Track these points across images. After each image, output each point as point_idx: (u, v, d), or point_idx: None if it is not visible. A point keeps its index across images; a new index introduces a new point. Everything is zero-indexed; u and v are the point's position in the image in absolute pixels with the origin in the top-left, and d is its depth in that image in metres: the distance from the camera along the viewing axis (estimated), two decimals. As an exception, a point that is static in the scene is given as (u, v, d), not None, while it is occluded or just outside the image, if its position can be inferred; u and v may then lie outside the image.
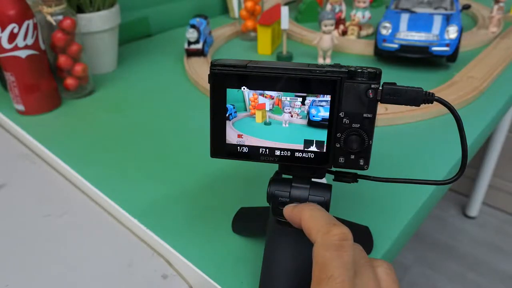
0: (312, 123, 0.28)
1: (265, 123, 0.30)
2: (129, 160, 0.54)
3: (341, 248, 0.26)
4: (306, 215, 0.30)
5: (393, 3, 0.85)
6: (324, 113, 0.27)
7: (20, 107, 0.65)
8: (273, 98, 0.27)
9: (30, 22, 0.60)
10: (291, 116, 0.29)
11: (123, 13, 0.81)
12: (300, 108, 0.27)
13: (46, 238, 0.45)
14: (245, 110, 0.28)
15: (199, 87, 0.73)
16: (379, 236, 0.41)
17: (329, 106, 0.30)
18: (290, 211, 0.32)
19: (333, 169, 0.34)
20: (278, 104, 0.27)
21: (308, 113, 0.28)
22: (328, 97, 0.28)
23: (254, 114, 0.28)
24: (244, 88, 0.32)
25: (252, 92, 0.27)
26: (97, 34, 0.74)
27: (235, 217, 0.43)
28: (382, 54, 0.81)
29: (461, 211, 1.70)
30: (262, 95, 0.27)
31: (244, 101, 0.28)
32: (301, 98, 0.26)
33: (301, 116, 0.28)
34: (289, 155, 0.33)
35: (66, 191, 0.52)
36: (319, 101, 0.27)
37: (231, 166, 0.52)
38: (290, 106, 0.27)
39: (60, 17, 0.65)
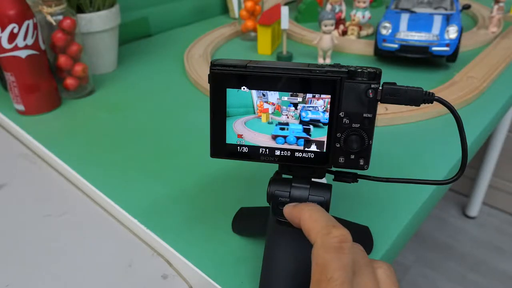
0: (302, 123, 0.32)
1: (269, 123, 0.33)
2: (129, 160, 0.54)
3: (340, 250, 0.26)
4: (305, 216, 0.30)
5: (393, 3, 0.85)
6: (311, 115, 0.32)
7: (20, 107, 0.65)
8: (274, 105, 0.32)
9: (30, 22, 0.60)
10: (287, 117, 0.33)
11: (123, 13, 0.81)
12: (294, 111, 0.32)
13: (46, 238, 0.45)
14: (254, 113, 0.33)
15: (199, 87, 0.73)
16: (379, 236, 0.41)
17: (316, 110, 0.32)
18: (289, 211, 0.32)
19: (333, 169, 0.34)
20: (278, 109, 0.32)
21: (300, 115, 0.32)
22: (315, 103, 0.32)
23: (260, 116, 0.33)
24: (244, 88, 0.32)
25: (259, 100, 0.32)
26: (97, 34, 0.75)
27: (235, 217, 0.43)
28: (382, 54, 0.81)
29: (461, 211, 1.70)
30: (266, 102, 0.32)
31: (253, 106, 0.33)
32: (293, 106, 0.32)
33: (294, 118, 0.32)
34: (289, 155, 0.33)
35: (66, 191, 0.52)
36: (308, 106, 0.32)
37: (231, 166, 0.52)
38: (287, 110, 0.32)
39: (60, 17, 0.65)
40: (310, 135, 0.32)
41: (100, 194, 0.48)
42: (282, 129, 0.33)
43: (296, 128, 0.32)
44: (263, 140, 0.33)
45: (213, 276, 0.38)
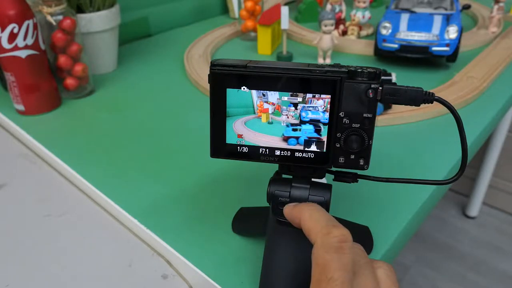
0: (302, 123, 0.32)
1: (269, 123, 0.33)
2: (129, 160, 0.55)
3: (340, 250, 0.26)
4: (305, 215, 0.30)
5: (393, 3, 0.85)
6: (311, 115, 0.32)
7: (20, 107, 0.65)
8: (274, 105, 0.32)
9: (30, 22, 0.60)
10: (287, 117, 0.33)
11: (123, 13, 0.81)
12: (294, 111, 0.32)
13: (46, 238, 0.45)
14: (254, 113, 0.33)
15: (199, 87, 0.73)
16: (379, 236, 0.41)
17: (316, 110, 0.32)
18: (289, 211, 0.32)
19: (333, 169, 0.34)
20: (278, 109, 0.32)
21: (300, 115, 0.32)
22: (315, 103, 0.32)
23: (260, 116, 0.33)
24: (244, 88, 0.32)
25: (259, 100, 0.32)
26: (97, 34, 0.75)
27: (235, 217, 0.43)
28: (382, 54, 0.81)
29: (461, 211, 1.70)
30: (266, 102, 0.32)
31: (253, 106, 0.33)
32: (293, 106, 0.32)
33: (294, 118, 0.32)
34: (289, 155, 0.33)
35: (66, 191, 0.52)
36: (308, 106, 0.32)
37: (231, 166, 0.52)
38: (287, 110, 0.32)
39: (60, 17, 0.65)
40: (320, 135, 0.32)
41: (100, 194, 0.48)
42: (295, 130, 0.32)
43: (308, 128, 0.32)
44: (264, 140, 0.33)
45: (213, 276, 0.38)
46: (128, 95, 0.72)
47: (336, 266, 0.26)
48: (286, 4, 1.15)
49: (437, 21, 0.77)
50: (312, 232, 0.29)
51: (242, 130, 0.33)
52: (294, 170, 0.35)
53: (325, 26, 0.77)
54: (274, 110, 0.32)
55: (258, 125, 0.33)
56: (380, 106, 0.61)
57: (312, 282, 0.27)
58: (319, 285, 0.26)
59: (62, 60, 0.67)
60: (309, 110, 0.32)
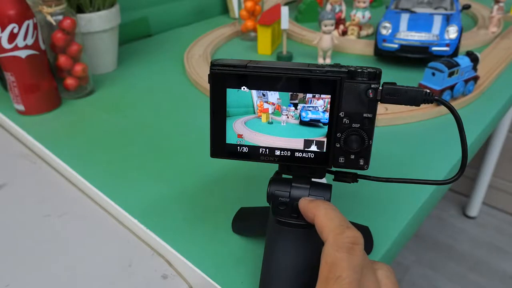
0: (302, 123, 0.33)
1: (269, 123, 0.33)
2: (129, 160, 0.54)
3: (352, 250, 0.27)
4: (321, 212, 0.30)
5: (393, 3, 0.85)
6: (311, 115, 0.32)
7: (20, 107, 0.65)
8: (274, 105, 0.32)
9: (30, 22, 0.60)
10: (287, 117, 0.33)
11: (123, 13, 0.81)
12: (294, 112, 0.32)
13: (46, 238, 0.45)
14: (254, 113, 0.33)
15: (199, 87, 0.73)
16: (379, 236, 0.41)
17: (316, 110, 0.32)
18: (305, 204, 0.32)
19: (333, 169, 0.34)
20: (278, 109, 0.33)
21: (300, 115, 0.32)
22: (315, 103, 0.32)
23: (260, 116, 0.33)
24: (244, 88, 0.32)
25: (259, 100, 0.33)
26: (97, 34, 0.75)
27: (235, 217, 0.43)
28: (382, 54, 0.81)
29: (461, 211, 1.70)
30: (266, 102, 0.32)
31: (253, 106, 0.33)
32: (293, 106, 0.32)
33: (294, 118, 0.33)
34: (289, 155, 0.33)
35: (66, 191, 0.52)
36: (308, 106, 0.32)
37: (231, 166, 0.52)
38: (287, 110, 0.32)
39: (60, 17, 0.65)
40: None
41: (100, 194, 0.48)
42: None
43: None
44: (264, 140, 0.33)
45: (213, 276, 0.38)
46: (128, 95, 0.72)
47: (345, 266, 0.26)
48: (286, 4, 1.15)
49: (437, 21, 0.77)
50: (325, 229, 0.29)
51: (242, 130, 0.33)
52: (294, 170, 0.35)
53: (325, 26, 0.77)
54: (274, 110, 0.32)
55: (258, 125, 0.33)
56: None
57: (319, 280, 0.27)
58: (326, 283, 0.26)
59: (62, 60, 0.67)
60: (309, 110, 0.32)
